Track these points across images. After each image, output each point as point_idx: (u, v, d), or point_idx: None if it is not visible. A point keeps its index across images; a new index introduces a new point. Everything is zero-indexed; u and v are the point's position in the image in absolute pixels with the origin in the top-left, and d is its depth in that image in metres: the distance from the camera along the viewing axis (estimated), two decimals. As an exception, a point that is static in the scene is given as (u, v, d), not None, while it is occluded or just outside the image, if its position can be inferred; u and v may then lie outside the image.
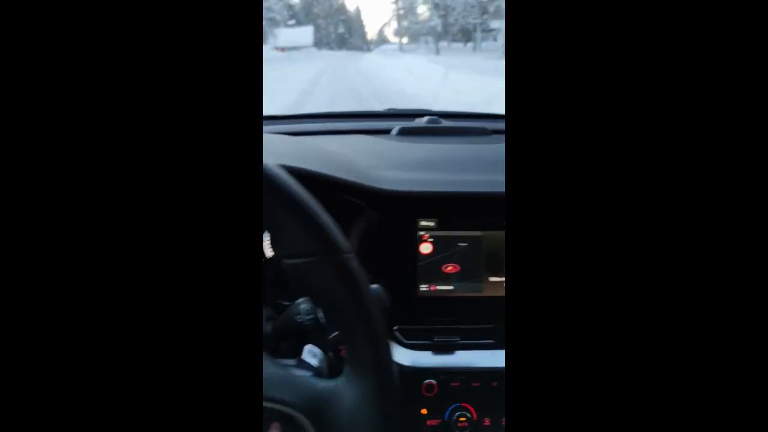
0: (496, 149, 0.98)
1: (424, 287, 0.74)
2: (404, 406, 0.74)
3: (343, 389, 0.43)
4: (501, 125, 1.14)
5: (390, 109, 1.36)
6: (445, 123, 1.08)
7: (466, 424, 0.74)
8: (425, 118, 1.09)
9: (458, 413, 0.74)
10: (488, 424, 0.76)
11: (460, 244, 0.75)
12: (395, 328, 0.74)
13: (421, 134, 1.02)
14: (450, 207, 0.75)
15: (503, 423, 0.76)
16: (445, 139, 1.00)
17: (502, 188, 0.76)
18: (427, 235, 0.75)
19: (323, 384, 0.44)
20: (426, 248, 0.74)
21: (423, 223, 0.75)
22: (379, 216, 0.74)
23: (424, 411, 0.75)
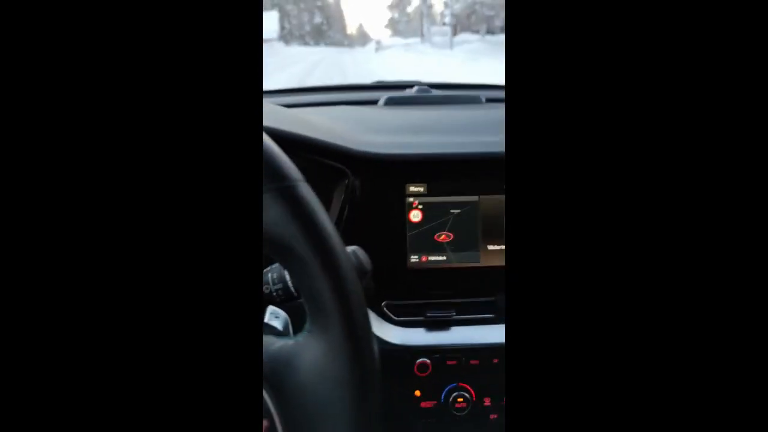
0: (491, 114, 0.91)
1: (414, 258, 0.68)
2: (395, 387, 0.68)
3: (304, 347, 0.35)
4: (497, 94, 1.07)
5: (378, 82, 1.29)
6: (436, 92, 1.01)
7: (464, 405, 0.68)
8: (414, 88, 1.02)
9: (455, 394, 0.68)
10: (489, 404, 0.70)
11: (453, 210, 0.68)
12: (384, 303, 0.68)
13: (409, 103, 0.95)
14: (440, 170, 0.68)
15: (504, 402, 0.70)
16: (436, 108, 0.93)
17: (498, 149, 0.69)
18: (417, 202, 0.68)
19: (280, 343, 0.36)
20: (416, 216, 0.68)
21: (412, 188, 0.68)
22: (363, 182, 0.67)
23: (417, 392, 0.69)
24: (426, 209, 0.68)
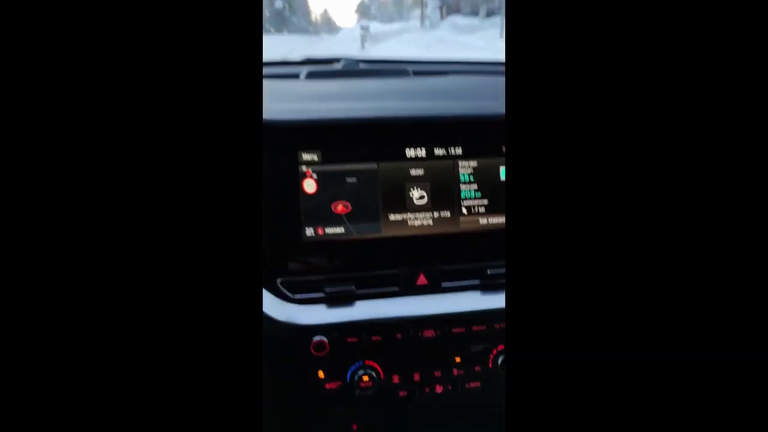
0: (412, 84, 0.87)
1: (309, 231, 0.63)
2: (294, 370, 0.64)
3: None
4: (428, 68, 1.04)
5: (307, 57, 1.24)
6: (363, 66, 0.97)
7: (370, 384, 0.64)
8: (341, 62, 0.97)
9: (361, 372, 0.64)
10: (398, 381, 0.66)
11: (349, 179, 0.64)
12: (279, 280, 0.63)
13: (333, 77, 0.90)
14: (335, 136, 0.64)
15: (416, 378, 0.67)
16: (359, 79, 0.88)
17: (406, 113, 0.65)
18: (310, 171, 0.63)
19: None
20: (310, 186, 0.63)
21: (304, 156, 0.63)
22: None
23: (321, 374, 0.65)
24: (321, 178, 0.63)
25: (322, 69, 0.94)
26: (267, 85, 0.82)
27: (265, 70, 1.01)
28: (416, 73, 0.95)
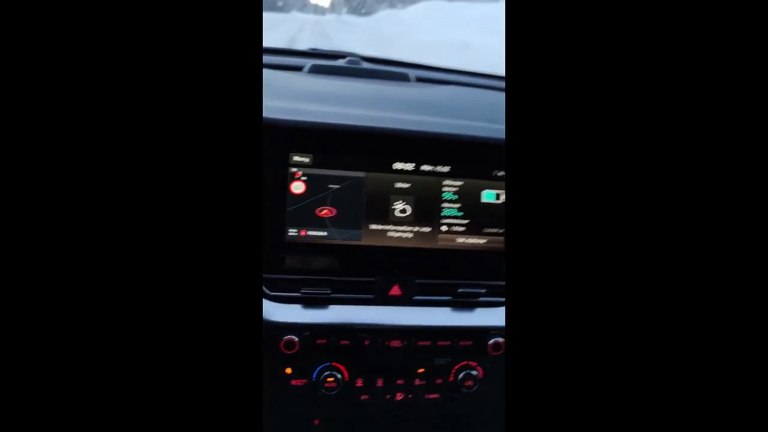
0: (413, 93, 0.88)
1: (293, 232, 0.65)
2: (264, 364, 0.66)
3: None
4: (430, 74, 1.05)
5: (313, 49, 1.24)
6: (366, 65, 0.97)
7: (334, 384, 0.66)
8: (345, 59, 0.98)
9: (327, 373, 0.66)
10: (361, 385, 0.69)
11: (336, 185, 0.65)
12: (257, 277, 0.65)
13: (336, 74, 0.91)
14: (328, 141, 0.65)
15: (379, 384, 0.69)
16: (361, 80, 0.89)
17: (399, 126, 0.67)
18: (300, 173, 0.65)
19: None
20: (298, 187, 0.65)
21: (296, 158, 0.65)
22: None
23: (288, 370, 0.67)
24: (310, 181, 0.65)
25: (325, 64, 0.95)
26: (269, 75, 0.83)
27: (268, 59, 1.02)
28: (419, 80, 0.96)
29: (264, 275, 0.65)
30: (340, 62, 0.98)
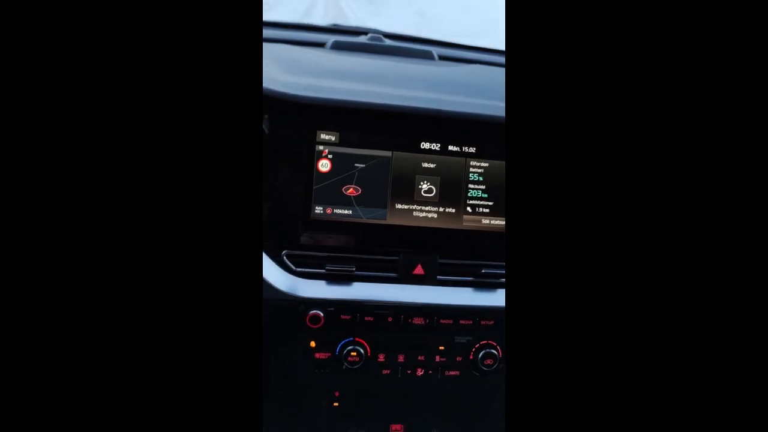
0: (437, 72, 0.87)
1: (318, 209, 0.65)
2: (289, 337, 0.68)
3: None
4: (453, 52, 1.03)
5: (334, 25, 1.22)
6: (389, 42, 0.96)
7: (357, 359, 0.68)
8: (368, 35, 0.97)
9: (350, 348, 0.68)
10: (383, 360, 0.70)
11: (363, 164, 0.65)
12: (284, 252, 0.66)
13: (357, 50, 0.90)
14: (355, 119, 0.65)
15: (400, 360, 0.71)
16: (384, 58, 0.88)
17: (427, 105, 0.66)
18: (327, 151, 0.65)
19: None
20: (324, 165, 0.65)
21: (323, 136, 0.65)
22: (273, 123, 0.64)
23: (312, 343, 0.69)
24: (336, 160, 0.65)
25: (348, 41, 0.94)
26: (291, 51, 0.83)
27: (290, 35, 1.01)
28: (441, 58, 0.95)
29: (289, 251, 0.66)
30: (362, 39, 0.97)
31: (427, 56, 0.92)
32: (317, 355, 0.69)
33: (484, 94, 0.79)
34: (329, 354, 0.69)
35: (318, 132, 0.65)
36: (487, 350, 0.70)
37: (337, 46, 0.89)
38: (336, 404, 0.79)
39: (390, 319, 0.67)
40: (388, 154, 0.66)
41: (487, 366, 0.70)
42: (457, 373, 0.72)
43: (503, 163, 0.68)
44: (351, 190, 0.66)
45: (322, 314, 0.65)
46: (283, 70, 0.69)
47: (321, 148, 0.65)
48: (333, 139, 0.65)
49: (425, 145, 0.66)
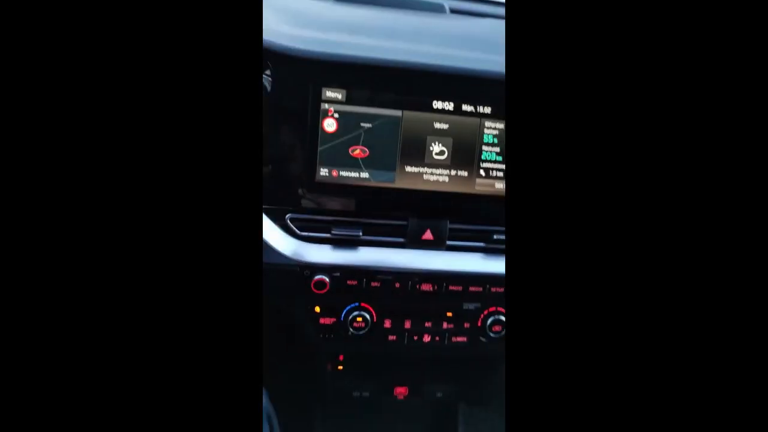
0: (449, 26, 0.81)
1: (324, 172, 0.62)
2: (294, 301, 0.67)
3: None
4: (464, 6, 0.97)
5: None
6: None
7: (363, 324, 0.67)
8: None
9: (356, 313, 0.67)
10: (389, 326, 0.69)
11: (371, 123, 0.62)
12: (288, 216, 0.64)
13: (365, 2, 0.84)
14: (363, 77, 0.61)
15: (407, 326, 0.70)
16: (392, 10, 0.82)
17: (441, 62, 0.62)
18: (332, 110, 0.61)
19: None
20: (330, 125, 0.61)
21: (328, 94, 0.61)
22: (275, 79, 0.60)
23: (317, 308, 0.68)
24: (342, 119, 0.61)
25: None
26: (294, 2, 0.77)
27: None
28: (453, 11, 0.89)
29: (294, 215, 0.64)
30: None
31: (438, 9, 0.87)
32: (322, 321, 0.68)
33: (500, 50, 0.74)
34: (334, 319, 0.68)
35: (323, 89, 0.61)
36: (496, 317, 0.69)
37: None
38: (340, 368, 0.79)
39: (397, 285, 0.65)
40: (398, 113, 0.62)
41: (496, 333, 0.69)
42: (465, 339, 0.71)
43: (519, 124, 0.64)
44: (358, 151, 0.62)
45: (327, 279, 0.63)
46: (285, 22, 0.64)
47: (326, 106, 0.61)
48: (339, 97, 0.61)
49: (437, 105, 0.63)
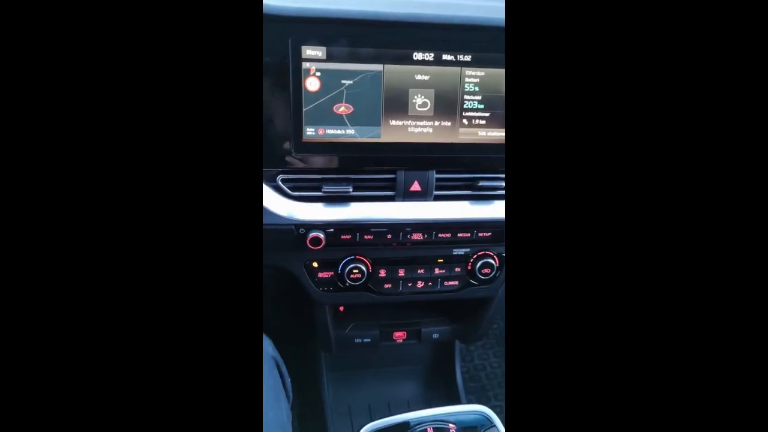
0: None
1: (310, 131, 0.63)
2: (292, 259, 0.70)
3: None
4: None
5: None
6: None
7: (359, 275, 0.71)
8: None
9: (352, 266, 0.70)
10: (384, 275, 0.73)
11: (353, 80, 0.62)
12: (279, 177, 0.65)
13: None
14: (342, 31, 0.61)
15: (401, 274, 0.73)
16: None
17: (421, 11, 0.61)
18: (314, 69, 0.61)
19: None
20: (313, 84, 0.62)
21: (309, 52, 0.61)
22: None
23: (315, 264, 0.71)
24: (325, 77, 0.62)
25: None
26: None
27: None
28: None
29: (284, 176, 0.66)
30: None
31: None
32: (320, 275, 0.72)
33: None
34: (332, 273, 0.71)
35: (303, 48, 0.61)
36: (485, 260, 0.73)
37: None
38: (342, 314, 0.83)
39: (389, 236, 0.68)
40: (379, 68, 0.62)
41: (485, 275, 0.73)
42: (456, 283, 0.75)
43: (500, 71, 0.65)
44: (343, 108, 0.63)
45: (322, 236, 0.66)
46: None
47: (308, 65, 0.61)
48: (320, 54, 0.61)
49: (418, 56, 0.63)
